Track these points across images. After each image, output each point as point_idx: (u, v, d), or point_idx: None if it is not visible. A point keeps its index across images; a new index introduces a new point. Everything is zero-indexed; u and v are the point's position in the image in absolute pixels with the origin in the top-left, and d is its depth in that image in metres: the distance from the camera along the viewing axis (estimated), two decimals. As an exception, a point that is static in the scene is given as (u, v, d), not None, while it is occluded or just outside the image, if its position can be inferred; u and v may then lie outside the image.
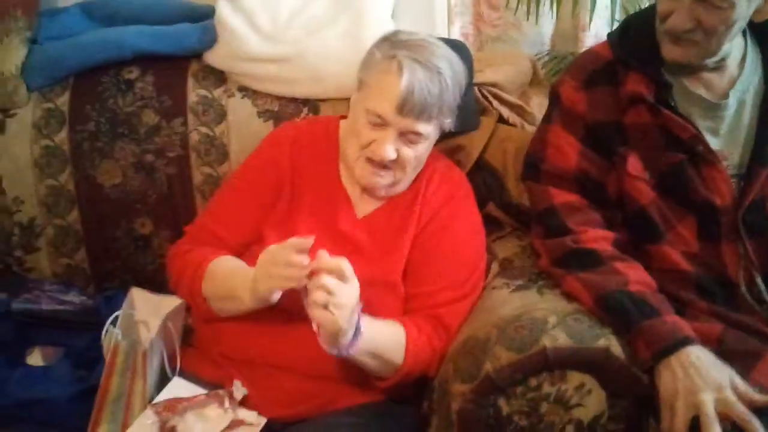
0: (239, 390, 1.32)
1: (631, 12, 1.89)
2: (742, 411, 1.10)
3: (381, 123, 1.32)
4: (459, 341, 1.29)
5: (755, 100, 1.34)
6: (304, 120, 1.60)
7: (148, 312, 1.43)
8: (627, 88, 1.34)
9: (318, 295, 1.16)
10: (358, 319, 1.22)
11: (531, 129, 1.62)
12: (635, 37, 1.35)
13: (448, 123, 1.39)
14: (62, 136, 1.66)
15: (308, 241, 1.19)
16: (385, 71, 1.32)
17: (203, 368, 1.39)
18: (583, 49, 1.94)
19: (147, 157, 1.66)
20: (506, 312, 1.27)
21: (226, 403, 1.30)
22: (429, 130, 1.34)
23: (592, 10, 1.91)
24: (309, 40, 1.64)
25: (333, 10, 1.66)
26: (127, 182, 1.67)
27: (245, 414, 1.30)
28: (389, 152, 1.32)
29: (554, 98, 1.43)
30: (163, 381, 1.38)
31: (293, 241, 1.20)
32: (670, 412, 1.14)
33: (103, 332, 1.40)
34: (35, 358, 1.51)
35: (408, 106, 1.30)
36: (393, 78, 1.30)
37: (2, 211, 1.68)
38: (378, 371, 1.30)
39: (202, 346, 1.43)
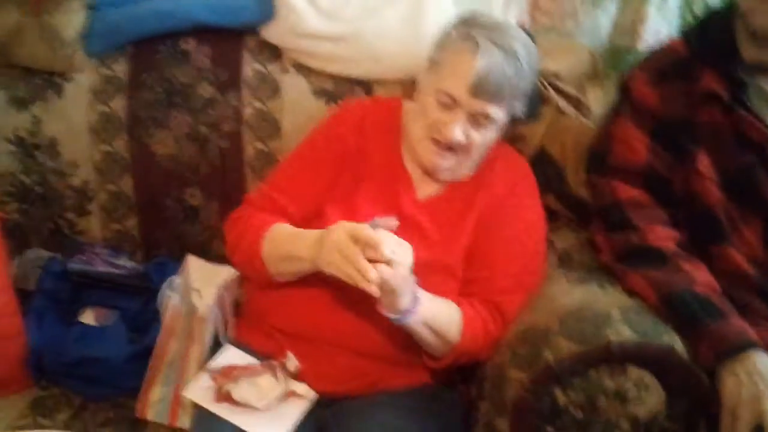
0: (292, 362, 1.33)
1: (695, 8, 1.87)
2: None
3: (451, 104, 1.31)
4: (517, 329, 1.29)
5: None
6: (369, 100, 1.60)
7: (201, 280, 1.46)
8: (701, 85, 1.32)
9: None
10: (416, 287, 1.23)
11: (587, 122, 1.61)
12: (714, 35, 1.33)
13: (519, 108, 1.37)
14: (119, 103, 1.67)
15: (380, 240, 1.17)
16: (460, 51, 1.31)
17: (255, 339, 1.41)
18: (642, 45, 1.93)
19: (201, 129, 1.66)
20: (567, 303, 1.26)
21: (280, 374, 1.32)
22: (499, 114, 1.33)
23: (647, 2, 1.87)
24: (367, 20, 1.63)
25: (393, -9, 1.65)
26: (180, 152, 1.67)
27: (297, 386, 1.32)
28: (457, 134, 1.31)
29: (624, 91, 1.42)
30: (216, 349, 1.41)
31: (367, 235, 1.17)
32: (732, 418, 1.13)
33: (160, 296, 1.43)
34: (87, 318, 1.55)
35: (482, 88, 1.29)
36: (468, 58, 1.29)
37: (57, 173, 1.70)
38: (434, 347, 1.30)
39: (255, 318, 1.44)
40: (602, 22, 1.96)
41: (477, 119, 1.32)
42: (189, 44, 1.67)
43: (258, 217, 1.40)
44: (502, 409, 1.24)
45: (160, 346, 1.41)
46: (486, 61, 1.28)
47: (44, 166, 1.69)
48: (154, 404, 1.41)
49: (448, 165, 1.37)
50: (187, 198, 1.69)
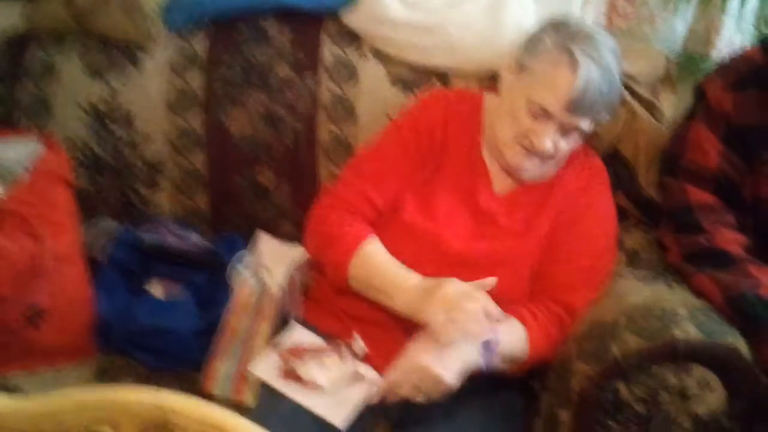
0: (359, 344, 1.40)
1: (765, 18, 1.95)
2: None
3: (543, 115, 1.37)
4: (584, 323, 1.37)
5: None
6: (453, 91, 1.67)
7: (272, 258, 1.55)
8: None
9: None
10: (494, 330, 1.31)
11: (660, 125, 1.70)
12: None
13: (605, 116, 1.45)
14: (196, 79, 1.77)
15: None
16: (557, 64, 1.35)
17: (323, 320, 1.48)
18: (715, 53, 2.00)
19: (276, 110, 1.76)
20: (635, 300, 1.34)
21: (347, 355, 1.40)
22: (588, 124, 1.40)
23: (724, 10, 1.95)
24: (449, 11, 1.72)
25: (476, -16, 1.75)
26: (255, 132, 1.77)
27: (363, 368, 1.39)
28: (548, 145, 1.38)
29: (699, 96, 1.50)
30: (283, 328, 1.49)
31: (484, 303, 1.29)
32: None
33: (229, 271, 1.53)
34: (155, 290, 1.65)
35: (579, 104, 1.35)
36: (566, 73, 1.34)
37: (129, 145, 1.80)
38: (503, 369, 1.38)
39: (323, 300, 1.52)
40: (678, 28, 2.03)
41: (566, 129, 1.39)
42: (269, 24, 1.76)
43: (351, 226, 1.44)
44: (566, 401, 1.32)
45: (229, 321, 1.48)
46: (585, 78, 1.33)
47: (117, 137, 1.80)
48: (219, 379, 1.49)
49: (532, 167, 1.44)
50: (258, 177, 1.78)
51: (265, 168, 1.79)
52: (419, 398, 1.29)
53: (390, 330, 1.42)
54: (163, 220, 1.79)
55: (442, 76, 1.74)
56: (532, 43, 1.42)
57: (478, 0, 1.73)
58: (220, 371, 1.50)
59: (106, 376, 1.53)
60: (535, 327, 1.39)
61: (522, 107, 1.39)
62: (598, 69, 1.34)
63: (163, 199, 1.83)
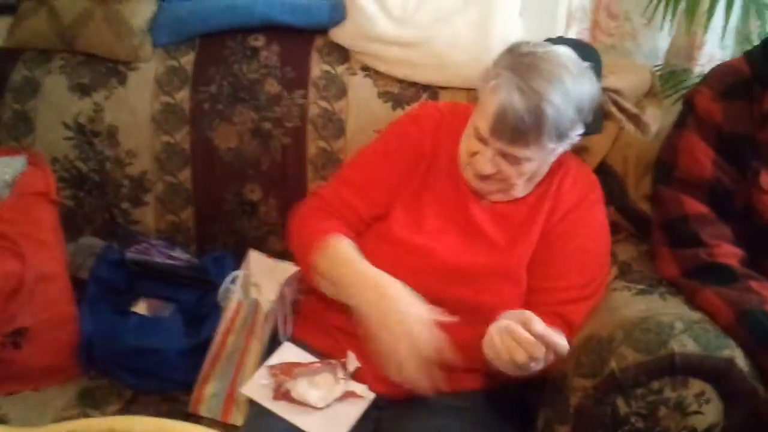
0: (352, 362, 1.38)
1: (747, 37, 1.97)
2: None
3: (482, 139, 1.37)
4: (581, 338, 1.35)
5: None
6: (446, 104, 1.66)
7: (262, 275, 1.51)
8: (764, 105, 1.40)
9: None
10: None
11: (647, 139, 1.70)
12: None
13: (563, 143, 1.39)
14: (183, 95, 1.75)
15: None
16: (489, 89, 1.35)
17: (314, 337, 1.46)
18: (697, 67, 2.02)
19: (265, 125, 1.74)
20: (631, 313, 1.32)
21: (339, 373, 1.37)
22: (527, 153, 1.35)
23: (707, 27, 1.96)
24: (437, 27, 1.71)
25: (462, 1, 1.73)
26: (242, 147, 1.74)
27: (355, 386, 1.37)
28: (485, 168, 1.37)
29: (688, 106, 1.49)
30: (274, 346, 1.45)
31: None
32: None
33: (222, 290, 1.49)
34: (141, 309, 1.60)
35: (500, 130, 1.33)
36: (491, 97, 1.33)
37: (114, 162, 1.77)
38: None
39: (314, 316, 1.49)
40: (660, 44, 2.06)
41: (507, 157, 1.36)
42: (258, 41, 1.75)
43: (324, 222, 1.45)
44: (564, 416, 1.30)
45: (219, 340, 1.44)
46: (502, 105, 1.31)
47: (102, 154, 1.76)
48: (207, 399, 1.44)
49: (491, 189, 1.43)
50: (246, 193, 1.76)
51: (253, 183, 1.76)
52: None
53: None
54: (149, 238, 1.75)
55: (432, 92, 1.73)
56: (485, 70, 1.41)
57: (465, 16, 1.72)
58: (209, 392, 1.45)
59: (90, 397, 1.49)
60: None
61: (470, 130, 1.40)
62: (523, 98, 1.30)
63: (148, 216, 1.79)
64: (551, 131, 1.33)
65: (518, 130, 1.32)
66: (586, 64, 1.41)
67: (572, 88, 1.34)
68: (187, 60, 1.76)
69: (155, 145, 1.76)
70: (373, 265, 1.38)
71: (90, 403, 1.47)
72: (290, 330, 1.50)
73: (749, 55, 1.49)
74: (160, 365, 1.48)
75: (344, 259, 1.39)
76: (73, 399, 1.48)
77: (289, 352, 1.43)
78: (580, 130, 1.41)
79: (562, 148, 1.40)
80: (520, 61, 1.35)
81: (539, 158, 1.38)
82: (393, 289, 1.33)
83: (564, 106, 1.32)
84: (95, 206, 1.80)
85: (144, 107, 1.75)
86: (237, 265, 1.54)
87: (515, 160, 1.37)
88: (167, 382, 1.49)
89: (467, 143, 1.41)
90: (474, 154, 1.39)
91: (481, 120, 1.36)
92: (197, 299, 1.59)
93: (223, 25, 1.75)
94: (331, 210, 1.48)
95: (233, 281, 1.47)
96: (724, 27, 1.86)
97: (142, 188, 1.78)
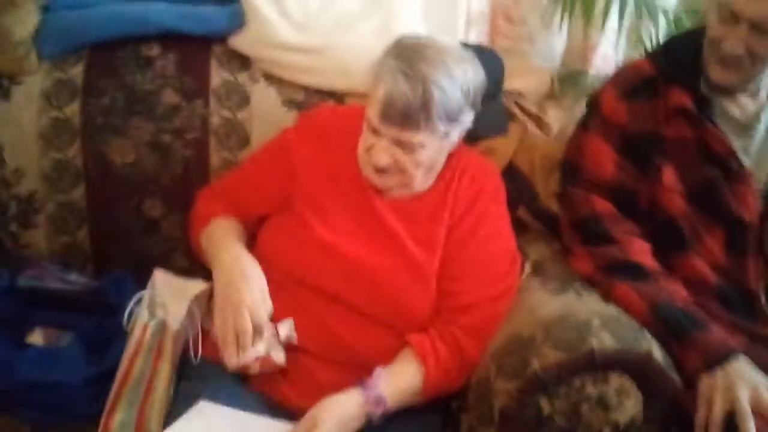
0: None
1: (639, 38, 2.03)
2: None
3: (375, 130, 1.37)
4: (500, 340, 1.33)
5: None
6: (343, 107, 1.65)
7: (169, 294, 1.43)
8: (670, 101, 1.44)
9: None
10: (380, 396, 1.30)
11: (551, 139, 1.72)
12: (680, 55, 1.46)
13: (452, 130, 1.39)
14: (73, 109, 1.64)
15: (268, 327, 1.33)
16: (374, 79, 1.37)
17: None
18: (591, 68, 2.06)
19: (164, 137, 1.65)
20: (548, 312, 1.32)
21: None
22: (420, 138, 1.35)
23: (601, 29, 2.01)
24: (340, 33, 1.68)
25: (365, 6, 1.71)
26: (140, 161, 1.65)
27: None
28: (382, 159, 1.37)
29: (593, 107, 1.52)
30: (185, 366, 1.38)
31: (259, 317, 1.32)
32: (707, 405, 1.24)
33: (126, 313, 1.39)
34: (36, 339, 1.48)
35: (389, 115, 1.33)
36: (378, 87, 1.35)
37: (0, 182, 1.63)
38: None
39: None
40: (556, 46, 2.09)
41: (401, 144, 1.36)
42: (153, 50, 1.67)
43: (209, 203, 1.55)
44: (489, 420, 1.28)
45: (125, 366, 1.36)
46: (388, 88, 1.32)
47: (-16, 174, 1.63)
48: (116, 430, 1.33)
49: (390, 184, 1.42)
50: (146, 209, 1.66)
51: (152, 199, 1.67)
52: None
53: (303, 358, 1.36)
54: (41, 262, 1.63)
55: (338, 97, 1.70)
56: (372, 65, 1.41)
57: (368, 22, 1.69)
58: (117, 422, 1.34)
59: (-13, 439, 1.37)
60: (434, 367, 1.34)
61: (365, 125, 1.40)
62: (407, 81, 1.32)
63: (39, 239, 1.67)
64: (440, 113, 1.34)
65: (406, 113, 1.32)
66: (470, 54, 1.43)
67: (456, 71, 1.36)
68: (77, 72, 1.65)
69: (44, 162, 1.64)
70: (283, 261, 1.41)
71: (-12, 444, 1.35)
72: (201, 348, 1.41)
73: (653, 55, 1.53)
74: (62, 399, 1.37)
75: (217, 239, 1.47)
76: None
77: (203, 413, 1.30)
78: (471, 115, 1.42)
79: (455, 133, 1.41)
80: (403, 49, 1.37)
81: (433, 145, 1.38)
82: (240, 272, 1.37)
83: (450, 88, 1.34)
84: (-20, 231, 1.66)
85: (30, 123, 1.63)
86: (140, 286, 1.45)
87: (410, 147, 1.36)
88: (71, 416, 1.38)
89: (363, 140, 1.41)
90: (370, 148, 1.39)
91: (371, 111, 1.36)
92: (98, 325, 1.48)
93: (114, 35, 1.65)
94: (221, 197, 1.54)
95: (138, 303, 1.39)
96: (619, 29, 1.91)
97: (31, 209, 1.65)
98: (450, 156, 1.46)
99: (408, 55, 1.35)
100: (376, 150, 1.37)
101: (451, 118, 1.37)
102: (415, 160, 1.38)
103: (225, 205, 1.54)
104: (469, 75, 1.39)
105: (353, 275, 1.38)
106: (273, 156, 1.53)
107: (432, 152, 1.39)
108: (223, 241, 1.46)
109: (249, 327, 1.30)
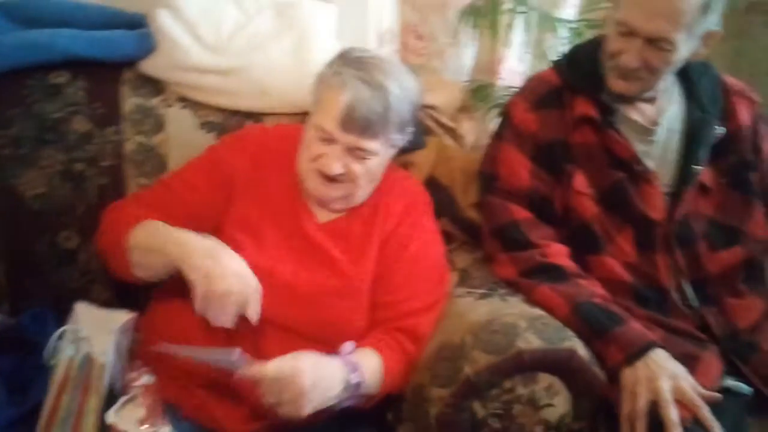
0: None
1: (543, 51, 2.11)
2: (694, 398, 1.27)
3: (328, 138, 1.38)
4: (432, 348, 1.36)
5: (680, 127, 1.54)
6: (275, 126, 1.63)
7: (92, 327, 1.37)
8: (575, 110, 1.50)
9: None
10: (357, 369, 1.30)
11: (467, 150, 1.76)
12: (582, 67, 1.53)
13: (399, 139, 1.46)
14: (-24, 142, 1.57)
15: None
16: (330, 87, 1.39)
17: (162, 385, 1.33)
18: (499, 81, 2.13)
19: (76, 166, 1.60)
20: (476, 318, 1.35)
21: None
22: (375, 146, 1.40)
23: (507, 43, 2.09)
24: (254, 54, 1.67)
25: (278, 27, 1.70)
26: (52, 192, 1.59)
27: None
28: (335, 167, 1.38)
29: (506, 118, 1.57)
30: (112, 399, 1.32)
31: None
32: (631, 396, 1.29)
33: (47, 350, 1.34)
34: (-48, 384, 1.40)
35: (351, 123, 1.36)
36: (336, 94, 1.37)
37: None
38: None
39: (151, 362, 1.35)
40: (465, 61, 2.15)
41: (355, 152, 1.38)
42: (61, 77, 1.62)
43: (134, 208, 1.45)
44: (426, 428, 1.30)
45: (51, 403, 1.28)
46: (351, 96, 1.35)
47: None
48: (44, 471, 1.29)
49: (336, 195, 1.43)
50: (61, 241, 1.61)
51: (68, 230, 1.61)
52: (270, 401, 1.25)
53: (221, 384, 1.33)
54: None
55: (256, 118, 1.69)
56: (318, 75, 1.45)
57: (280, 43, 1.70)
58: (44, 462, 1.29)
59: None
60: (388, 357, 1.36)
61: (312, 135, 1.40)
62: (368, 89, 1.36)
63: (-51, 278, 1.59)
64: (396, 122, 1.40)
65: (369, 120, 1.36)
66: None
67: (405, 82, 1.42)
68: (-20, 103, 1.58)
69: (-52, 199, 1.56)
70: None
71: None
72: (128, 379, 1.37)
73: (557, 66, 1.59)
74: (-17, 443, 1.30)
75: (160, 229, 1.38)
76: None
77: None
78: (411, 130, 1.47)
79: (398, 144, 1.45)
80: (355, 60, 1.41)
81: (383, 153, 1.42)
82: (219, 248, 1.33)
83: (403, 97, 1.40)
84: None
85: (-70, 159, 1.55)
86: (60, 321, 1.39)
87: (363, 155, 1.39)
88: (-3, 460, 1.31)
89: (308, 150, 1.41)
90: (319, 157, 1.39)
91: (327, 119, 1.37)
92: (18, 363, 1.41)
93: (20, 64, 1.58)
94: (145, 208, 1.45)
95: (60, 337, 1.33)
96: (524, 42, 1.98)
97: (-63, 249, 1.57)
98: None
99: (362, 64, 1.39)
100: (329, 158, 1.38)
101: (401, 127, 1.43)
102: (366, 168, 1.40)
103: (153, 215, 1.44)
104: (412, 86, 1.44)
105: (287, 298, 1.37)
106: (206, 172, 1.49)
107: (380, 161, 1.43)
108: (172, 230, 1.38)
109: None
